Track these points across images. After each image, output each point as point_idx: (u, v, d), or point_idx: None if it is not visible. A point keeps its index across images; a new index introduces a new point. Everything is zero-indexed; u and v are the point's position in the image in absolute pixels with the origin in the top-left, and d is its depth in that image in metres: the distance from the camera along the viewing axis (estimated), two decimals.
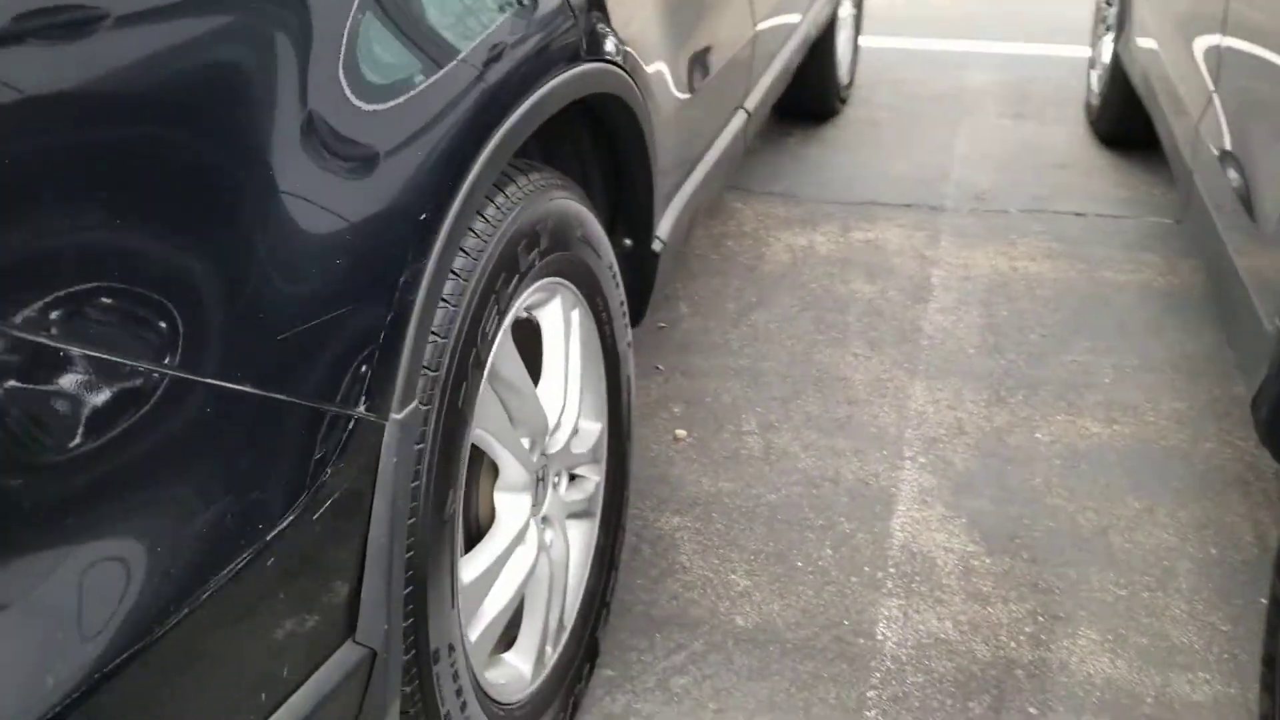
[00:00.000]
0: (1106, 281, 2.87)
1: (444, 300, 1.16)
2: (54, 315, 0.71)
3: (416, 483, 1.12)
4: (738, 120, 2.38)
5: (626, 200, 1.76)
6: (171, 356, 0.79)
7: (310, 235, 0.90)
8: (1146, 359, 2.53)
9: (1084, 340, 2.61)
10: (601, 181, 1.78)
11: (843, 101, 4.01)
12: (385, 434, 1.01)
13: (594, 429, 1.68)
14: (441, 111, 1.05)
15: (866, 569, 1.95)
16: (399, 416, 1.02)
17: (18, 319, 0.69)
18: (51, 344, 0.71)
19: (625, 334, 1.73)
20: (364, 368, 0.98)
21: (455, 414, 1.18)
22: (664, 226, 1.89)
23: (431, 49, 1.06)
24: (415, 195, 1.01)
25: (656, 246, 1.84)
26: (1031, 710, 1.67)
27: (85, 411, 0.73)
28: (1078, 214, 3.25)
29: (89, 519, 0.74)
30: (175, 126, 0.80)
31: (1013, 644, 1.79)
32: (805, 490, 2.14)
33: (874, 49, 4.69)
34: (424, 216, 1.03)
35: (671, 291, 2.85)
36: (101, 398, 0.74)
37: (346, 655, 1.00)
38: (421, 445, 1.12)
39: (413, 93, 1.01)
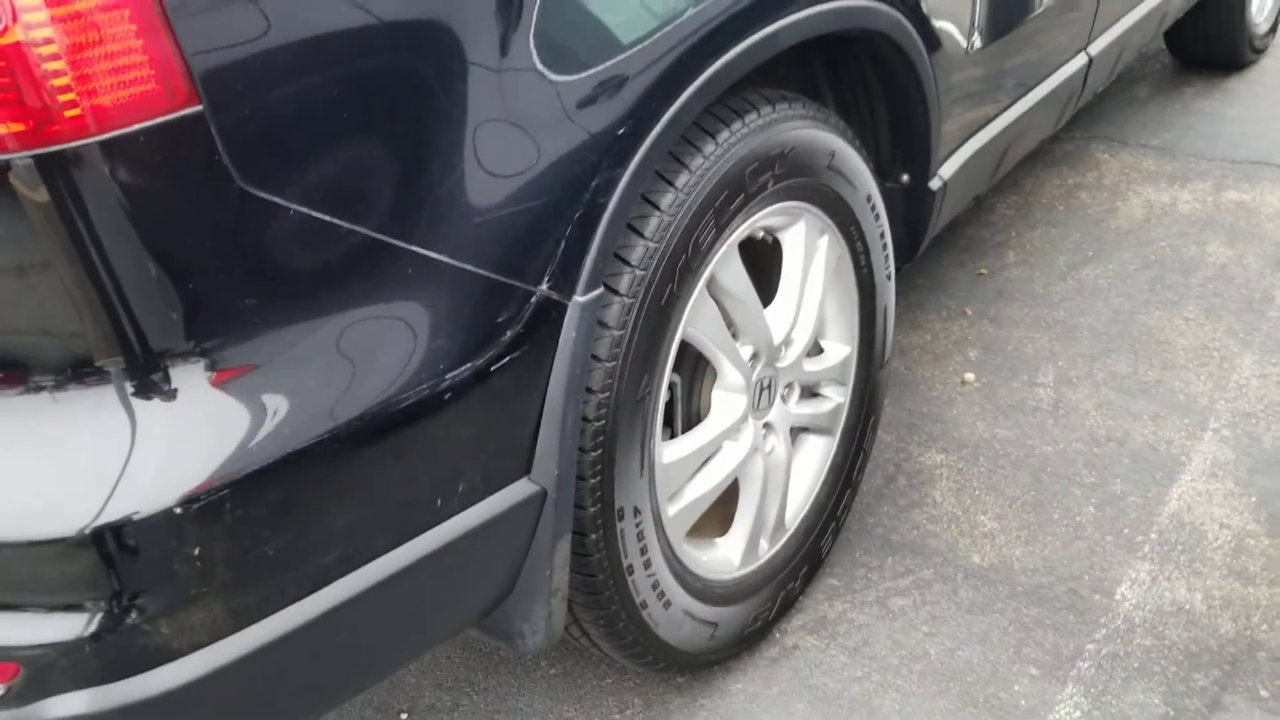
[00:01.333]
0: None
1: (657, 208, 1.33)
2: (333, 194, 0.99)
3: (612, 363, 1.30)
4: (1076, 64, 2.31)
5: (903, 137, 1.81)
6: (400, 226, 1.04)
7: (512, 142, 1.10)
8: None
9: None
10: (887, 116, 1.84)
11: (1258, 51, 3.64)
12: (567, 312, 1.20)
13: (841, 351, 1.78)
14: (647, 50, 1.20)
15: (1126, 531, 1.90)
16: (582, 299, 1.21)
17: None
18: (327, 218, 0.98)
19: (885, 265, 1.80)
20: (552, 256, 1.17)
21: (658, 310, 1.35)
22: (949, 166, 1.92)
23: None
24: (613, 117, 1.18)
25: (934, 184, 1.88)
26: (1263, 693, 1.59)
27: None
28: None
29: (356, 314, 1.01)
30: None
31: (1265, 626, 1.69)
32: (1085, 448, 2.09)
33: None
34: (621, 133, 1.20)
35: (1003, 239, 2.81)
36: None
37: (521, 489, 1.21)
38: (620, 331, 1.30)
39: (621, 30, 1.18)
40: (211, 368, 1.00)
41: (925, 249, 2.05)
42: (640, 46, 1.20)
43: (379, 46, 1.00)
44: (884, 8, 1.58)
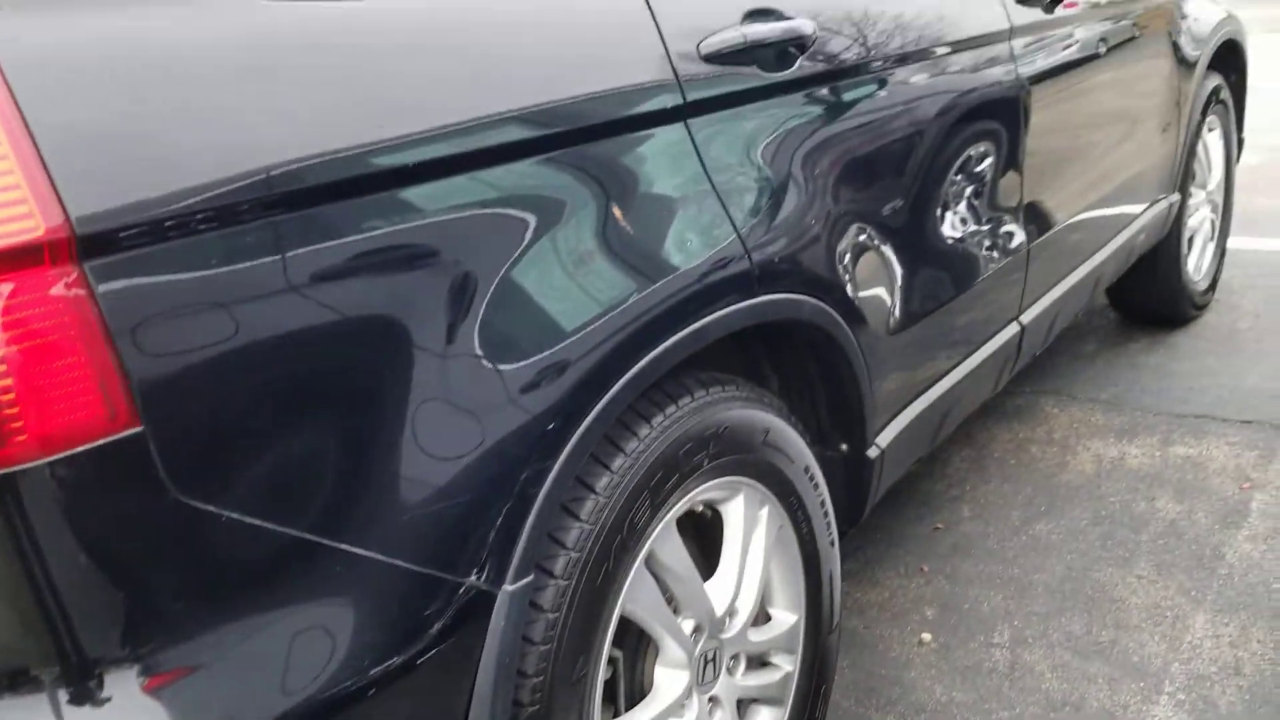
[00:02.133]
0: None
1: (592, 490, 1.39)
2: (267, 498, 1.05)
3: (546, 645, 1.33)
4: (1008, 333, 2.43)
5: (840, 410, 1.90)
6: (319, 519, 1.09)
7: (442, 442, 1.17)
8: None
9: None
10: (824, 391, 1.93)
11: (1199, 308, 3.83)
12: (496, 601, 1.24)
13: (788, 619, 1.80)
14: (576, 349, 1.29)
15: None
16: (511, 588, 1.25)
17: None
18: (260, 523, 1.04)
19: (828, 531, 1.85)
20: (482, 547, 1.22)
21: (594, 590, 1.39)
22: (886, 435, 2.00)
23: (575, 298, 1.31)
24: (542, 412, 1.26)
25: (872, 453, 1.95)
26: None
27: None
28: None
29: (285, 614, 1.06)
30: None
31: None
32: (1043, 713, 2.08)
33: (1254, 249, 4.43)
34: (550, 427, 1.27)
35: (958, 493, 2.87)
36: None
37: None
38: (554, 614, 1.33)
39: (551, 333, 1.27)
40: (144, 673, 1.02)
41: (872, 510, 2.10)
42: (575, 339, 1.29)
43: (325, 346, 1.08)
44: (808, 299, 1.69)
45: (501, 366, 1.22)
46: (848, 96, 1.84)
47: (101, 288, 0.93)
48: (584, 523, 1.38)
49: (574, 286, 1.30)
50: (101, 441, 0.94)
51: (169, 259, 0.96)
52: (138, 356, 0.95)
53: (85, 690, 1.02)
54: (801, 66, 1.72)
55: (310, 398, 1.08)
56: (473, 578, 1.21)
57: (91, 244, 0.92)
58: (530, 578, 1.27)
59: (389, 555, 1.14)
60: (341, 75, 1.12)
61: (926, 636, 2.33)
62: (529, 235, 1.24)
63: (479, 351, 1.19)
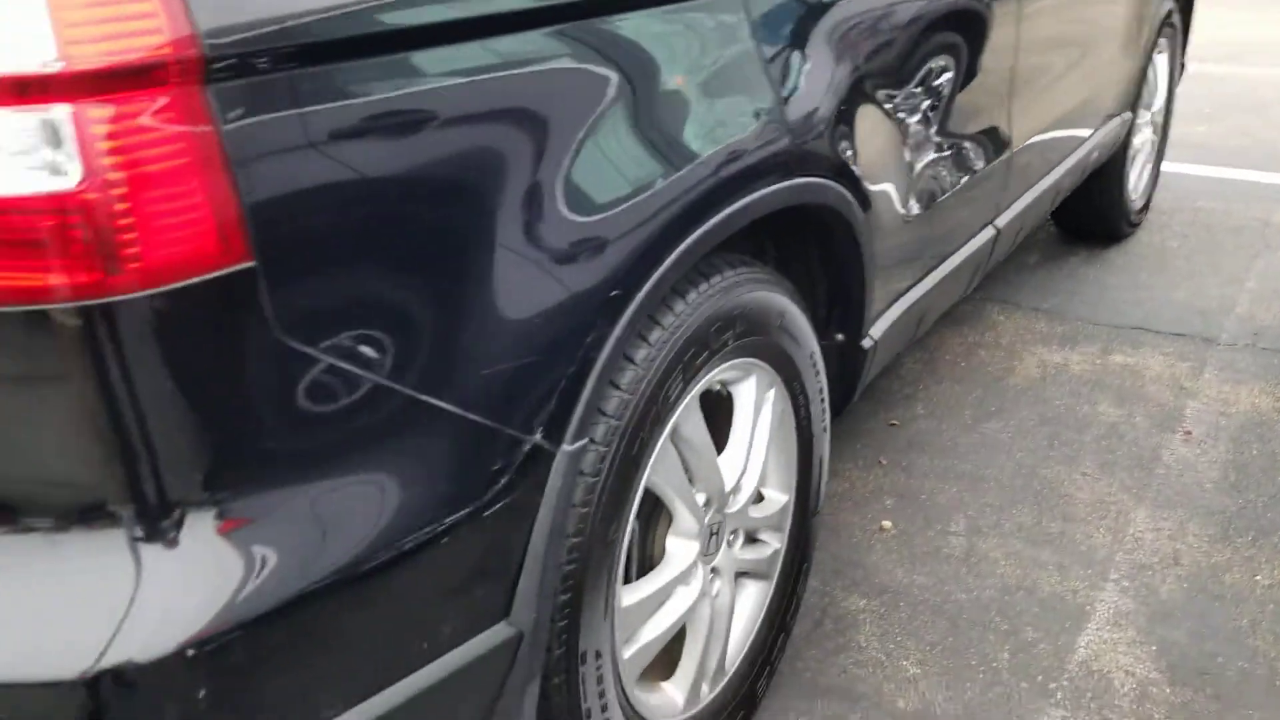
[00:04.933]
0: None
1: (632, 362, 1.41)
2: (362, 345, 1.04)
3: (586, 508, 1.36)
4: (984, 235, 2.50)
5: (840, 299, 1.94)
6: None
7: (520, 300, 1.17)
8: None
9: None
10: (825, 278, 1.97)
11: (1133, 226, 3.97)
12: (555, 460, 1.25)
13: (780, 499, 1.86)
14: (639, 219, 1.29)
15: (1039, 678, 1.99)
16: (569, 448, 1.27)
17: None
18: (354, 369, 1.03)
19: (822, 418, 1.90)
20: (546, 406, 1.23)
21: (629, 459, 1.42)
22: (879, 327, 2.05)
23: (640, 166, 1.31)
24: (608, 279, 1.26)
25: (866, 344, 2.01)
26: None
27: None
28: None
29: (365, 462, 1.06)
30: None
31: None
32: (998, 595, 2.20)
33: (1182, 174, 4.59)
34: (614, 294, 1.28)
35: (911, 392, 2.97)
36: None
37: (499, 631, 1.25)
38: (594, 478, 1.36)
39: (619, 201, 1.27)
40: (220, 516, 1.02)
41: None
42: (639, 205, 1.29)
43: (428, 197, 1.07)
44: (833, 184, 1.72)
45: (578, 228, 1.22)
46: None
47: (225, 113, 0.89)
48: (624, 392, 1.39)
49: (641, 153, 1.30)
50: (211, 275, 0.92)
51: (293, 87, 0.93)
52: (254, 189, 0.93)
53: (160, 529, 1.01)
54: None
55: (409, 247, 1.07)
56: (537, 436, 1.23)
57: (218, 65, 0.89)
58: (585, 440, 1.29)
59: (466, 409, 1.14)
60: None
61: (887, 524, 2.43)
62: (609, 96, 1.24)
63: (561, 211, 1.19)
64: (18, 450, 0.99)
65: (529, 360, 1.20)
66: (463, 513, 1.16)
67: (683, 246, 1.37)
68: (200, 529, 1.02)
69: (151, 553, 1.01)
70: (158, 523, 1.00)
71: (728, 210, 1.45)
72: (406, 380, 1.08)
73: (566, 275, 1.22)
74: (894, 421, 2.83)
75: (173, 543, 1.01)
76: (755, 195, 1.50)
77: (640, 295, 1.32)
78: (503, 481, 1.20)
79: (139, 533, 1.00)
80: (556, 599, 1.33)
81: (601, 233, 1.25)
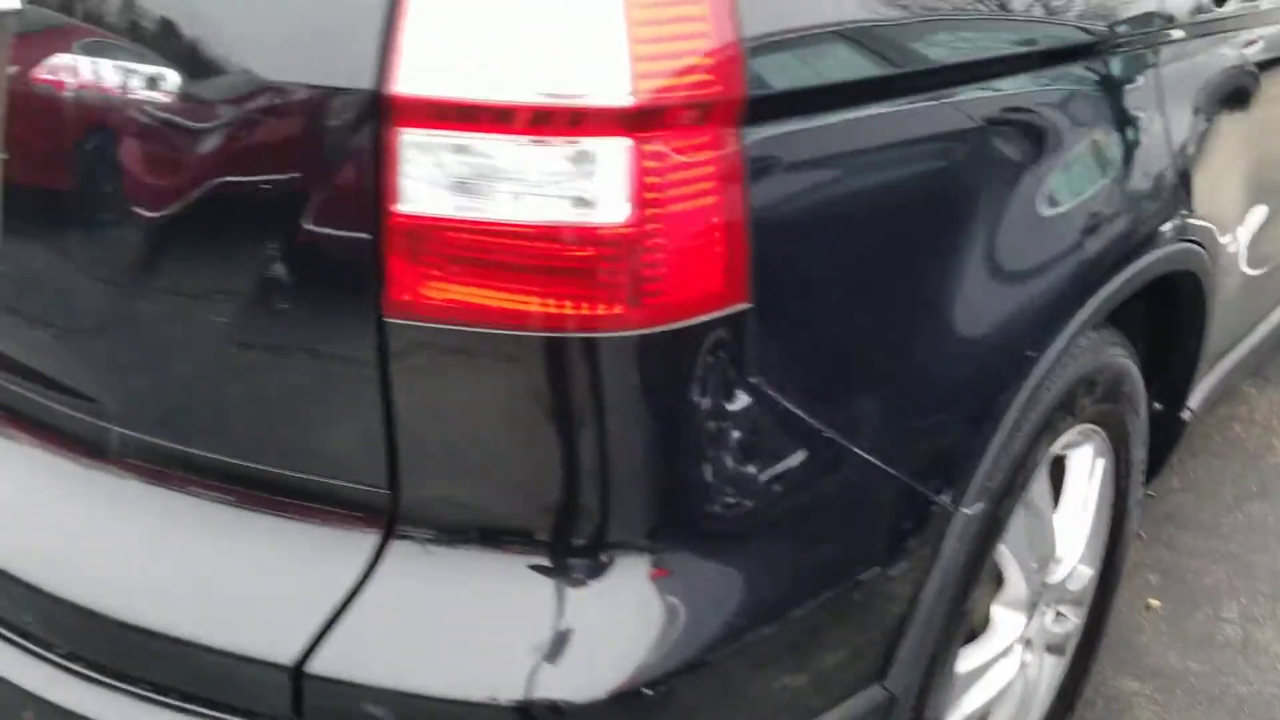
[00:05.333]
0: None
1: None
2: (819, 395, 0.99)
3: (961, 572, 1.29)
4: None
5: (1171, 368, 1.84)
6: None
7: (956, 356, 1.12)
8: None
9: None
10: (1144, 348, 1.87)
11: None
12: (952, 521, 1.20)
13: (1087, 572, 1.77)
14: (1071, 271, 1.23)
15: None
16: (968, 511, 1.20)
17: None
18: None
19: (1137, 491, 1.80)
20: (954, 467, 1.17)
21: (995, 522, 1.35)
22: (1196, 397, 1.94)
23: (1061, 232, 1.24)
24: (1026, 336, 1.20)
25: (1185, 415, 1.90)
26: None
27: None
28: None
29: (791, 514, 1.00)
30: None
31: None
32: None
33: None
34: (1029, 354, 1.21)
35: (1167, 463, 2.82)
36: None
37: (874, 694, 1.19)
38: (970, 542, 1.30)
39: (1044, 259, 1.21)
40: (653, 564, 0.98)
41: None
42: (1063, 267, 1.23)
43: (899, 252, 1.02)
44: (1198, 249, 1.62)
45: (1017, 290, 1.16)
46: (1251, 47, 1.74)
47: (755, 155, 0.86)
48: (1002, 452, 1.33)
49: (1073, 210, 1.23)
50: (712, 315, 0.89)
51: (819, 131, 0.89)
52: (766, 229, 0.89)
53: (595, 569, 0.97)
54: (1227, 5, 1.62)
55: (876, 301, 1.02)
56: (943, 496, 1.17)
57: (758, 108, 0.85)
58: (983, 504, 1.23)
59: (895, 468, 1.09)
60: None
61: (1155, 602, 2.30)
62: (1064, 149, 1.18)
63: (1006, 267, 1.13)
64: (462, 469, 0.97)
65: (946, 418, 1.15)
66: (872, 571, 1.11)
67: (1090, 308, 1.30)
68: (632, 574, 0.98)
69: (585, 592, 0.97)
70: (592, 561, 0.97)
71: (1128, 272, 1.37)
72: (857, 437, 1.04)
73: (994, 334, 1.16)
74: (1150, 492, 2.69)
75: (606, 585, 0.98)
76: (1151, 259, 1.42)
77: (1051, 354, 1.25)
78: (909, 542, 1.15)
79: (573, 568, 0.97)
80: (926, 664, 1.27)
81: (1032, 292, 1.19)
